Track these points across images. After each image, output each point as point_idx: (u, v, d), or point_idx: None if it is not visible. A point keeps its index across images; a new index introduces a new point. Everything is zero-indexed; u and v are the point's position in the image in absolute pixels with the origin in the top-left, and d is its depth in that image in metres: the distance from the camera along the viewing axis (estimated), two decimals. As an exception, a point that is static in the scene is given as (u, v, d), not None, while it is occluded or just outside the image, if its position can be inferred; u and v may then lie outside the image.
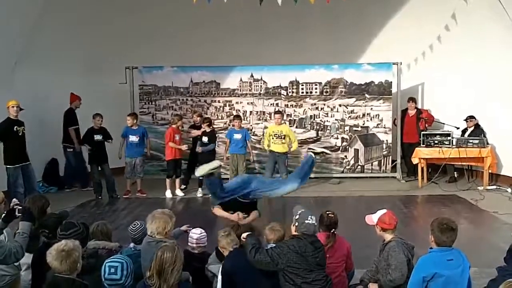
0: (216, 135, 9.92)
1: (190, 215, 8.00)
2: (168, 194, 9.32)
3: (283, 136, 9.40)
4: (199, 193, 9.41)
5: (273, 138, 9.44)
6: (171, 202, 8.96)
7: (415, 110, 10.60)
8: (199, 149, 9.26)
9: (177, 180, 9.50)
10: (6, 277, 4.42)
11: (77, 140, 9.72)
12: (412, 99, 10.63)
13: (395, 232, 4.23)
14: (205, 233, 4.53)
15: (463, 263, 3.75)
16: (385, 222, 4.20)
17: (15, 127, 8.12)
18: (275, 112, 9.94)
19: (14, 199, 5.00)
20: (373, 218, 4.30)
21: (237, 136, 9.47)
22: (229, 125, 10.66)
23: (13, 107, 8.06)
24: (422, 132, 10.02)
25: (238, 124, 9.58)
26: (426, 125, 10.46)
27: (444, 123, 10.48)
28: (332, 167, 10.85)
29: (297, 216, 3.96)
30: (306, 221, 3.90)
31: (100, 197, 9.21)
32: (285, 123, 10.23)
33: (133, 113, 9.87)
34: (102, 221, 5.05)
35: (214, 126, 10.38)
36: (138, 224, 4.40)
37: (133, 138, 9.34)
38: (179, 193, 9.43)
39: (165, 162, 9.74)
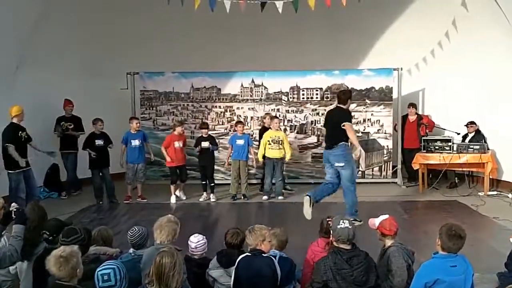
0: (217, 140, 9.91)
1: (191, 221, 8.00)
2: (173, 199, 9.31)
3: (280, 142, 9.39)
4: (202, 198, 9.42)
5: (270, 144, 9.40)
6: (172, 208, 8.94)
7: (416, 115, 10.61)
8: (197, 149, 9.27)
9: (182, 185, 9.47)
10: (8, 282, 4.44)
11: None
12: (413, 105, 10.64)
13: (396, 238, 4.24)
14: (203, 241, 4.50)
15: (467, 270, 3.74)
16: (385, 227, 4.21)
17: (19, 132, 8.18)
18: (273, 117, 9.83)
19: (14, 204, 5.03)
20: (375, 222, 4.32)
21: (240, 142, 9.45)
22: (230, 130, 10.67)
23: (22, 112, 8.16)
24: (423, 138, 10.03)
25: (241, 129, 9.57)
26: (427, 130, 10.46)
27: (445, 129, 10.48)
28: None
29: (331, 224, 3.89)
30: (339, 226, 3.79)
31: (101, 202, 9.21)
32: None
33: (136, 117, 9.88)
34: (103, 226, 5.06)
35: (215, 131, 10.41)
36: (136, 229, 4.38)
37: (136, 142, 9.34)
38: (182, 196, 9.42)
39: (166, 168, 9.81)
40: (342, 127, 6.99)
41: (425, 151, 9.80)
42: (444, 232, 3.73)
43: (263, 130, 9.72)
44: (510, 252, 4.72)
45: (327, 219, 4.42)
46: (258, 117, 10.89)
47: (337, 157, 7.09)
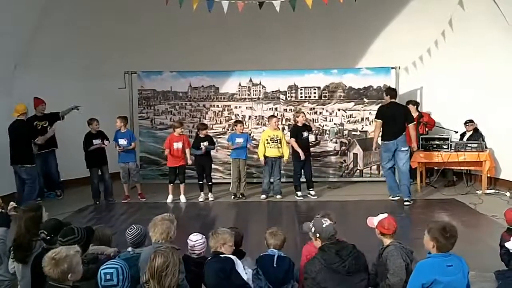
0: (215, 139, 9.90)
1: (189, 220, 8.02)
2: (170, 199, 9.29)
3: (279, 140, 9.39)
4: (201, 198, 9.41)
5: (268, 143, 9.39)
6: (170, 207, 8.94)
7: (417, 113, 10.53)
8: (203, 150, 9.22)
9: (181, 186, 9.37)
10: (5, 282, 4.44)
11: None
12: (411, 102, 10.56)
13: (394, 237, 4.24)
14: (202, 240, 4.50)
15: (463, 269, 3.73)
16: (384, 226, 4.21)
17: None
18: (271, 116, 9.82)
19: (12, 202, 5.03)
20: (374, 221, 4.32)
21: (239, 140, 9.43)
22: (228, 129, 10.67)
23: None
24: (421, 137, 10.01)
25: (240, 128, 9.54)
26: (427, 129, 10.44)
27: (444, 128, 10.48)
28: (331, 172, 10.85)
29: (313, 228, 3.88)
30: (323, 226, 3.83)
31: (98, 202, 9.20)
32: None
33: (123, 116, 9.77)
34: (101, 225, 5.04)
35: (213, 130, 10.41)
36: (134, 228, 4.38)
37: (122, 141, 9.30)
38: (182, 199, 9.34)
39: (164, 167, 9.83)
40: (406, 124, 8.69)
41: (423, 149, 9.80)
42: (438, 235, 3.69)
43: (295, 129, 9.56)
44: (500, 241, 4.75)
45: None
46: (256, 116, 10.89)
47: (403, 142, 8.67)
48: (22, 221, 4.44)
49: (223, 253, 4.10)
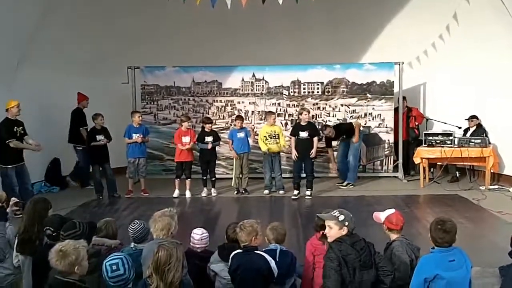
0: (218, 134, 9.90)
1: (192, 215, 8.04)
2: (176, 193, 9.29)
3: (277, 136, 9.38)
4: (204, 193, 9.41)
5: (267, 139, 9.39)
6: (174, 202, 8.94)
7: (406, 108, 10.76)
8: (209, 145, 9.25)
9: (187, 181, 9.36)
10: (10, 277, 4.46)
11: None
12: (404, 98, 10.72)
13: (401, 232, 4.23)
14: (206, 234, 4.52)
15: (465, 263, 3.71)
16: (392, 222, 4.18)
17: (15, 127, 8.15)
18: (269, 112, 9.82)
19: (13, 198, 5.04)
20: (380, 216, 4.29)
21: (241, 134, 9.45)
22: (231, 124, 10.65)
23: (17, 107, 8.11)
24: (424, 132, 10.08)
25: (240, 124, 9.54)
26: (416, 122, 10.70)
27: (438, 121, 10.51)
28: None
29: (342, 217, 3.73)
30: (351, 216, 3.78)
31: (101, 197, 9.22)
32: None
33: (138, 110, 9.86)
34: (109, 219, 5.03)
35: (216, 125, 10.40)
36: (137, 223, 4.38)
37: (137, 137, 9.35)
38: (188, 194, 9.35)
39: (167, 162, 9.81)
40: None
41: (426, 145, 9.79)
42: (432, 227, 3.71)
43: (295, 126, 9.49)
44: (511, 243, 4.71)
45: (317, 215, 4.41)
46: (259, 112, 10.88)
47: None
48: (28, 214, 4.45)
49: (256, 247, 4.05)
